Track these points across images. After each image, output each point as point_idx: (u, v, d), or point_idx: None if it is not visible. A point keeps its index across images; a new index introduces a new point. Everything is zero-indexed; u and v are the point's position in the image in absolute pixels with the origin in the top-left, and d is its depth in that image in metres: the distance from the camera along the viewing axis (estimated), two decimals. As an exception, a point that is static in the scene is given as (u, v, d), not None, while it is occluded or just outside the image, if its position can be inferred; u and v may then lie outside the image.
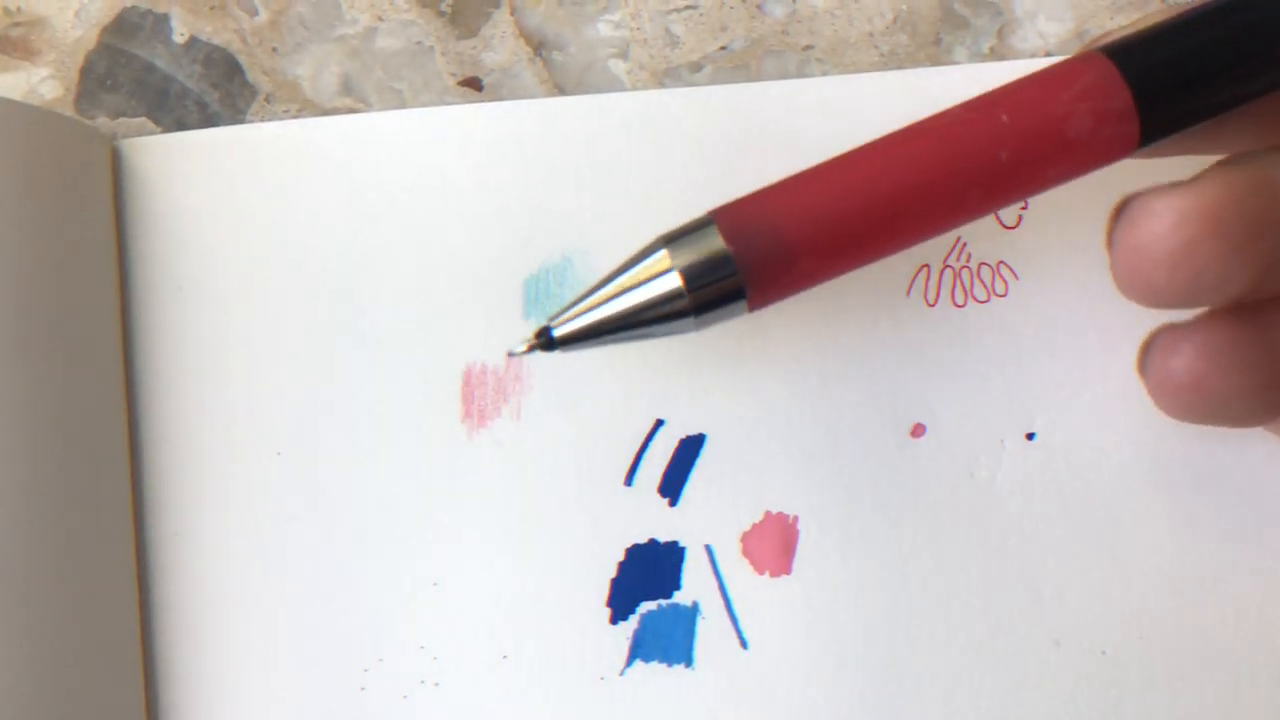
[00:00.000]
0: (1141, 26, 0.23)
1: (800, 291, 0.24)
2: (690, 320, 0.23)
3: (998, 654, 0.28)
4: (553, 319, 0.24)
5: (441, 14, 0.32)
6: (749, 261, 0.23)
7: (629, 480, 0.29)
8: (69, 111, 0.32)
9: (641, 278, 0.23)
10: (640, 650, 0.28)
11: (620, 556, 0.29)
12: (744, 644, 0.28)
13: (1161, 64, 0.23)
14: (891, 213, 0.23)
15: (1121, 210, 0.23)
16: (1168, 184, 0.22)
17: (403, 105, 0.31)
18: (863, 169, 0.23)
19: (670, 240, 0.23)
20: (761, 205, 0.23)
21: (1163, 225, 0.21)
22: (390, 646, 0.28)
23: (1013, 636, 0.28)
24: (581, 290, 0.24)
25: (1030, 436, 0.28)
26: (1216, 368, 0.22)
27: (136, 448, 0.30)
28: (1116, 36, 0.23)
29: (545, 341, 0.24)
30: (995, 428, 0.28)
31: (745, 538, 0.28)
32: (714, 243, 0.23)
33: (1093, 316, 0.29)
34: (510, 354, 0.26)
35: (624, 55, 0.31)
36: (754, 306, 0.23)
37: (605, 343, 0.23)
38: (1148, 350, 0.24)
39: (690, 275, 0.22)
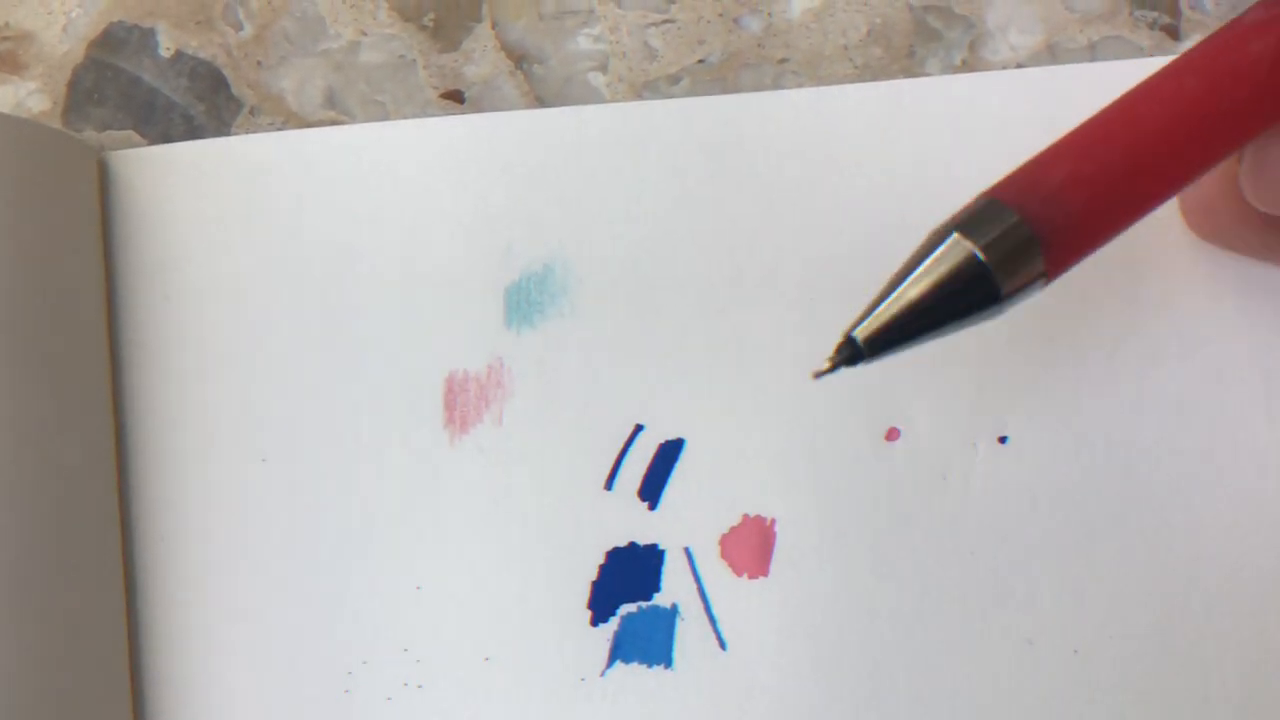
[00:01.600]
0: None
1: (1092, 252, 0.23)
2: (995, 306, 0.22)
3: (971, 654, 0.28)
4: (854, 327, 0.22)
5: (424, 28, 0.32)
6: (1045, 233, 0.22)
7: (609, 484, 0.29)
8: (56, 124, 0.32)
9: (939, 270, 0.22)
10: (620, 652, 0.29)
11: (600, 559, 0.29)
12: (723, 645, 0.28)
13: None
14: (1161, 153, 0.23)
15: (1253, 146, 0.24)
16: None
17: (386, 117, 0.32)
18: (1122, 118, 0.23)
19: (959, 226, 0.22)
20: (1043, 175, 0.23)
21: None
22: (374, 649, 0.29)
23: (986, 636, 0.28)
24: (874, 293, 0.22)
25: (1003, 440, 0.29)
26: None
27: (123, 454, 0.30)
28: None
29: (850, 354, 0.22)
30: (968, 431, 0.29)
31: (724, 540, 0.29)
32: (1007, 218, 0.22)
33: (1064, 322, 0.29)
34: (816, 375, 0.23)
35: (603, 68, 0.32)
36: (1054, 274, 0.23)
37: (910, 344, 0.22)
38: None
39: (994, 254, 0.22)
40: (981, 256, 0.21)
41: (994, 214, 0.22)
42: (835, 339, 0.29)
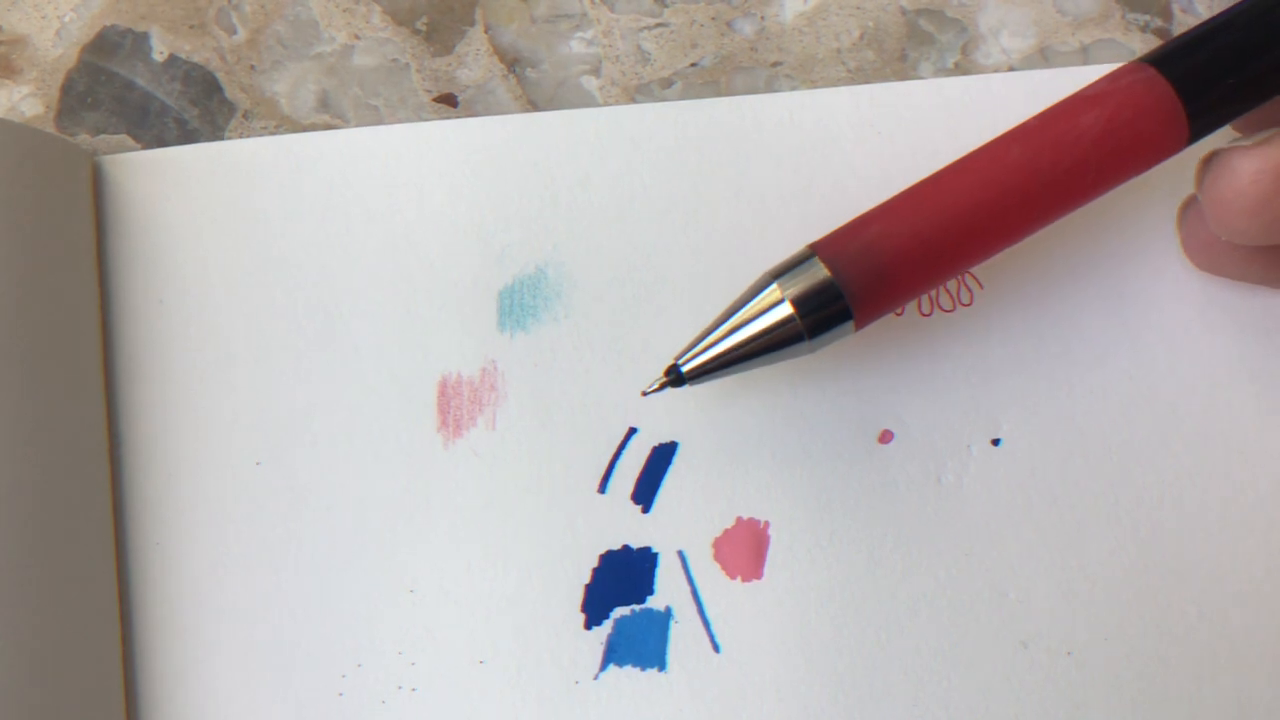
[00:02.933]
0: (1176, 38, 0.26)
1: (897, 306, 0.27)
2: (805, 344, 0.26)
3: (965, 656, 0.28)
4: (679, 357, 0.26)
5: (417, 32, 0.32)
6: (853, 285, 0.25)
7: (602, 488, 0.29)
8: (50, 129, 0.32)
9: (755, 311, 0.26)
10: (614, 655, 0.29)
11: (594, 563, 0.29)
12: (716, 648, 0.28)
13: (1193, 60, 0.25)
14: (972, 224, 0.25)
15: (1207, 164, 0.25)
16: (1245, 143, 0.24)
17: (379, 121, 0.32)
18: (936, 192, 0.26)
19: (777, 275, 0.26)
20: (856, 234, 0.26)
21: (1241, 181, 0.24)
22: (368, 652, 0.29)
23: (980, 638, 0.28)
24: (700, 329, 0.26)
25: (996, 442, 0.29)
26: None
27: (117, 458, 0.30)
28: (1154, 50, 0.26)
29: (675, 378, 0.26)
30: (962, 434, 0.29)
31: (717, 543, 0.29)
32: (818, 273, 0.25)
33: (1056, 325, 0.29)
34: (644, 393, 0.28)
35: (596, 72, 0.32)
36: (862, 324, 0.26)
37: (726, 373, 0.26)
38: (1183, 214, 0.27)
39: (801, 304, 0.25)
40: (791, 310, 0.25)
41: (810, 267, 0.25)
42: (834, 339, 0.30)
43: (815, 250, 0.26)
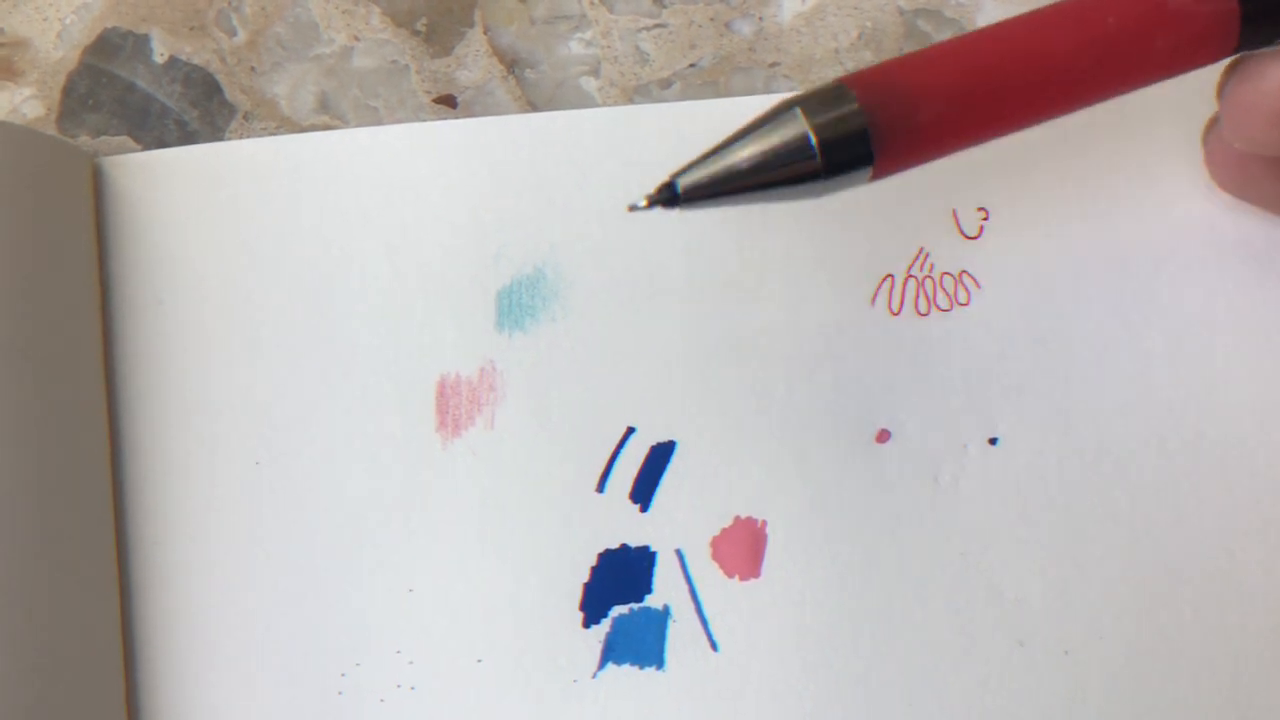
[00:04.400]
0: None
1: (922, 162, 0.24)
2: (818, 183, 0.23)
3: (962, 655, 0.28)
4: (677, 172, 0.23)
5: (416, 33, 0.32)
6: (882, 124, 0.23)
7: (601, 487, 0.29)
8: (51, 130, 0.32)
9: (771, 138, 0.23)
10: (612, 653, 0.29)
11: (592, 561, 0.29)
12: (714, 646, 0.29)
13: None
14: (1010, 84, 0.24)
15: (1234, 68, 0.24)
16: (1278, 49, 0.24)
17: (379, 122, 0.32)
18: (983, 45, 0.24)
19: (801, 102, 0.23)
20: (892, 75, 0.24)
21: (1269, 84, 0.23)
22: (367, 651, 0.29)
23: (977, 637, 0.28)
24: (708, 147, 0.23)
25: (993, 442, 0.29)
26: None
27: (117, 458, 0.30)
28: None
29: (669, 195, 0.23)
30: (959, 433, 0.29)
31: (715, 542, 0.29)
32: (847, 104, 0.23)
33: (1053, 324, 0.29)
34: (631, 208, 0.24)
35: (595, 73, 0.32)
36: (881, 172, 0.23)
37: (729, 200, 0.23)
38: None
39: (824, 133, 0.22)
40: (812, 136, 0.22)
41: (838, 99, 0.23)
42: (823, 341, 0.30)
43: (845, 83, 0.23)
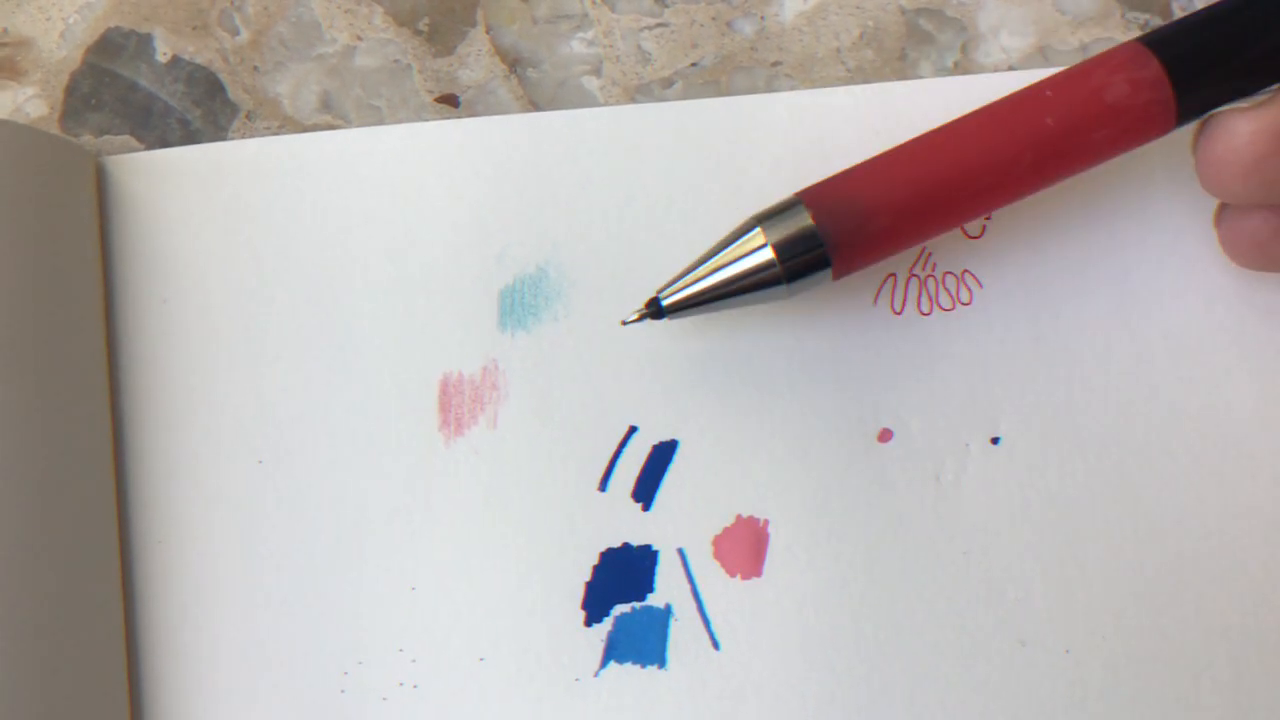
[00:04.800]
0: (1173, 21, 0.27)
1: (876, 261, 0.27)
2: (783, 289, 0.27)
3: (964, 654, 0.28)
4: (661, 291, 0.27)
5: (418, 33, 0.32)
6: (834, 235, 0.26)
7: (603, 486, 0.29)
8: (54, 130, 0.32)
9: (738, 253, 0.27)
10: (614, 652, 0.29)
11: (594, 560, 0.29)
12: (716, 645, 0.29)
13: (1189, 44, 0.26)
14: (956, 188, 0.26)
15: (1205, 126, 0.26)
16: (1244, 105, 0.25)
17: (381, 122, 0.32)
18: (926, 150, 0.27)
19: (762, 219, 0.27)
20: (842, 186, 0.27)
21: (1239, 141, 0.25)
22: (369, 649, 0.29)
23: (978, 636, 0.28)
24: (683, 266, 0.27)
25: (995, 441, 0.29)
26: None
27: (121, 457, 0.30)
28: (1149, 31, 0.27)
29: (655, 310, 0.27)
30: (961, 432, 0.29)
31: (717, 541, 0.29)
32: (802, 220, 0.26)
33: (1055, 324, 0.29)
34: (623, 323, 0.28)
35: (597, 72, 0.32)
36: (839, 274, 0.27)
37: (705, 310, 0.27)
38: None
39: (782, 249, 0.26)
40: (772, 254, 0.26)
41: (795, 214, 0.26)
42: (826, 340, 0.30)
43: (801, 198, 0.26)
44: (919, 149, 0.27)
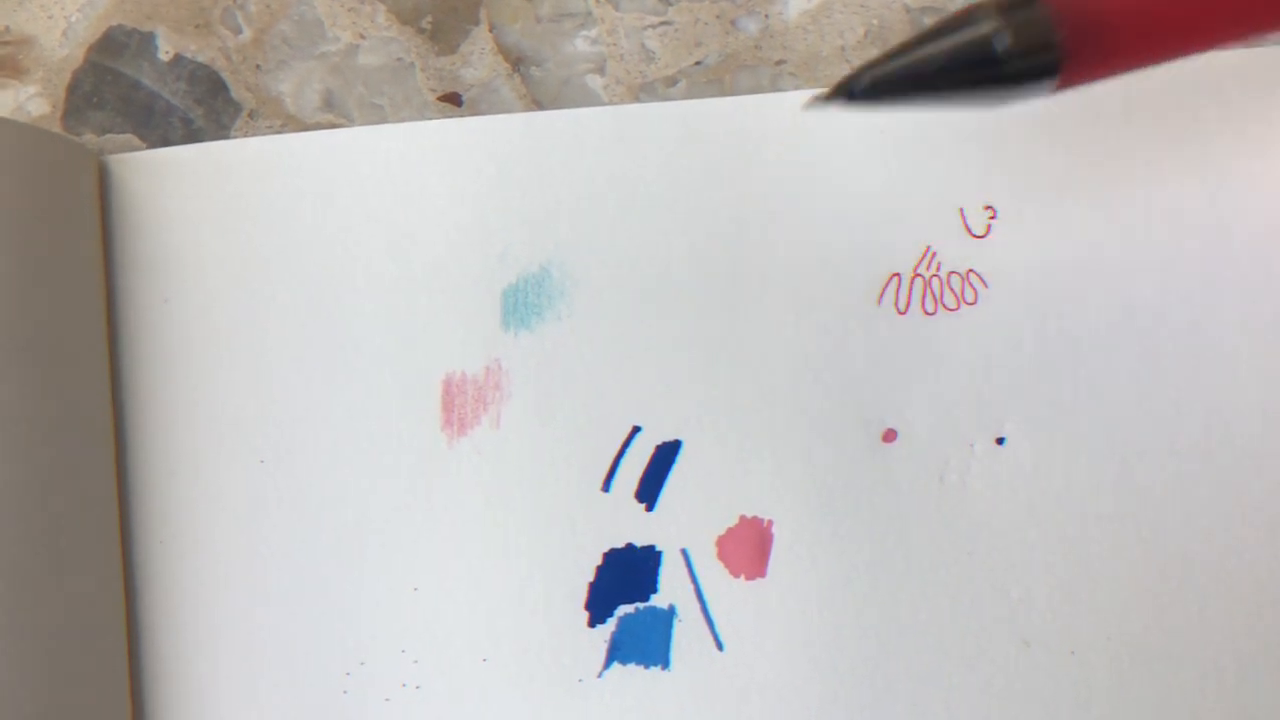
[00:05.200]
0: None
1: (1110, 77, 0.23)
2: (998, 88, 0.22)
3: (968, 654, 0.28)
4: (860, 69, 0.22)
5: (421, 31, 0.32)
6: (1073, 32, 0.22)
7: (606, 486, 0.29)
8: (56, 128, 0.32)
9: (956, 25, 0.22)
10: (618, 653, 0.29)
11: (598, 561, 0.29)
12: (720, 646, 0.29)
13: None
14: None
15: None
16: None
17: (384, 120, 0.32)
18: None
19: (993, 6, 0.22)
20: None
21: None
22: (372, 650, 0.29)
23: (982, 637, 0.28)
24: (889, 48, 0.22)
25: (1000, 441, 0.29)
26: None
27: (123, 457, 0.30)
28: None
29: (848, 92, 0.22)
30: (965, 433, 0.29)
31: (720, 541, 0.29)
32: (1037, 11, 0.22)
33: (1061, 323, 0.29)
34: (809, 102, 0.23)
35: (601, 70, 0.32)
36: (1064, 85, 0.22)
37: (909, 101, 0.22)
38: None
39: (1012, 30, 0.22)
40: (997, 40, 0.21)
41: (1030, 6, 0.22)
42: (829, 339, 0.30)
43: None
44: None
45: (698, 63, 0.32)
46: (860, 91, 0.22)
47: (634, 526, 0.29)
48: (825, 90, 0.22)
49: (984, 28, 0.22)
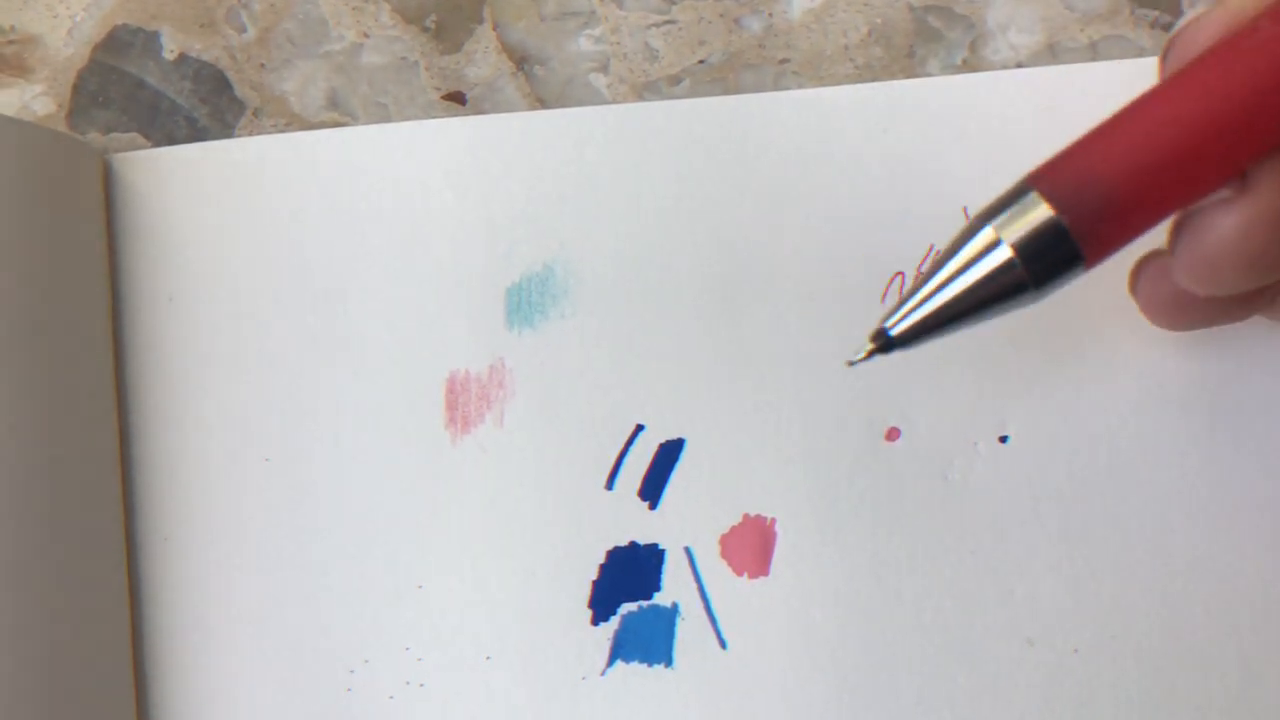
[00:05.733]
0: None
1: (1134, 239, 0.23)
2: (1030, 294, 0.22)
3: (971, 653, 0.28)
4: (885, 320, 0.23)
5: (425, 30, 0.32)
6: (1081, 223, 0.22)
7: (610, 484, 0.29)
8: (61, 127, 0.32)
9: (969, 258, 0.22)
10: (621, 651, 0.29)
11: (601, 559, 0.29)
12: (723, 644, 0.29)
13: None
14: (1216, 138, 0.22)
15: (1181, 227, 0.23)
16: (1223, 198, 0.23)
17: (388, 119, 0.32)
18: (1172, 101, 0.22)
19: (992, 216, 0.22)
20: (1079, 161, 0.22)
21: (1231, 237, 0.22)
22: (376, 648, 0.29)
23: (986, 636, 0.28)
24: (908, 287, 0.24)
25: (1003, 439, 0.29)
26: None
27: (127, 455, 0.30)
28: None
29: (883, 344, 0.23)
30: (968, 430, 0.29)
31: (724, 540, 0.29)
32: (1040, 211, 0.22)
33: (1063, 321, 0.29)
34: (850, 363, 0.24)
35: (604, 69, 0.32)
36: (1092, 264, 0.22)
37: (944, 333, 0.23)
38: (1138, 276, 0.25)
39: (1023, 248, 0.22)
40: (1011, 254, 0.22)
41: (1029, 205, 0.22)
42: (832, 338, 0.30)
43: (1034, 185, 0.22)
44: (1160, 103, 0.22)
45: (701, 61, 0.32)
46: (894, 344, 0.23)
47: (637, 525, 0.29)
48: (865, 348, 0.23)
49: (992, 249, 0.22)
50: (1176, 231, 0.24)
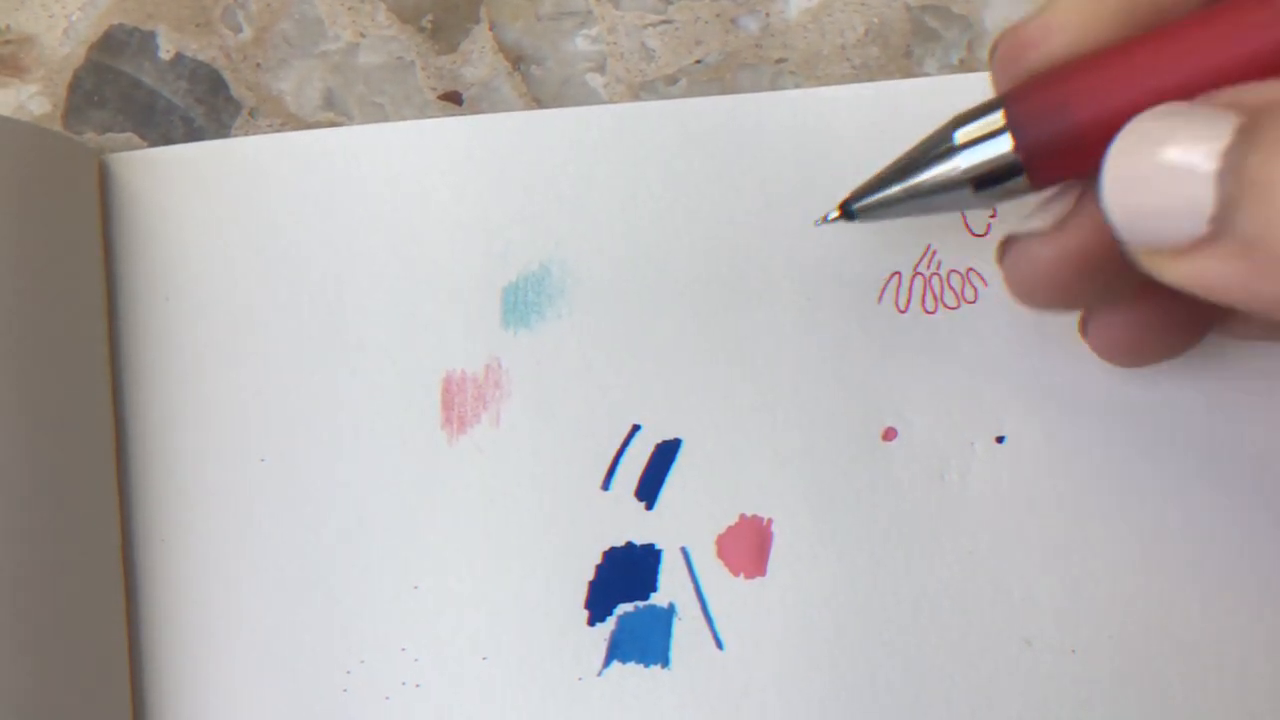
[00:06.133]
0: None
1: (1085, 175, 0.23)
2: (970, 195, 0.24)
3: (969, 654, 0.28)
4: (852, 194, 0.26)
5: (422, 29, 0.32)
6: (1032, 144, 0.23)
7: (606, 484, 0.29)
8: (57, 127, 0.32)
9: (925, 150, 0.25)
10: (617, 651, 0.29)
11: (597, 559, 0.29)
12: (720, 645, 0.29)
13: None
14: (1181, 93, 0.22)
15: (1005, 249, 0.25)
16: (1038, 225, 0.24)
17: (384, 119, 0.32)
18: (1155, 49, 0.22)
19: (964, 122, 0.24)
20: (1052, 87, 0.23)
21: (1043, 270, 0.24)
22: (372, 648, 0.29)
23: (984, 636, 0.28)
24: (876, 170, 0.26)
25: (1000, 439, 0.29)
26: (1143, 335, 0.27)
27: (123, 455, 0.30)
28: None
29: (848, 213, 0.26)
30: (965, 431, 0.29)
31: (720, 540, 0.29)
32: (995, 118, 0.23)
33: (1060, 322, 0.29)
34: (815, 224, 0.27)
35: (601, 69, 0.32)
36: (1036, 185, 0.24)
37: (897, 214, 0.25)
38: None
39: (973, 156, 0.24)
40: (958, 139, 0.24)
41: (996, 120, 0.23)
42: (829, 338, 0.30)
43: (1006, 100, 0.23)
44: (1145, 49, 0.22)
45: (698, 61, 0.32)
46: (855, 215, 0.26)
47: (634, 525, 0.29)
48: (832, 214, 0.26)
49: (951, 159, 0.24)
50: (1002, 251, 0.25)
